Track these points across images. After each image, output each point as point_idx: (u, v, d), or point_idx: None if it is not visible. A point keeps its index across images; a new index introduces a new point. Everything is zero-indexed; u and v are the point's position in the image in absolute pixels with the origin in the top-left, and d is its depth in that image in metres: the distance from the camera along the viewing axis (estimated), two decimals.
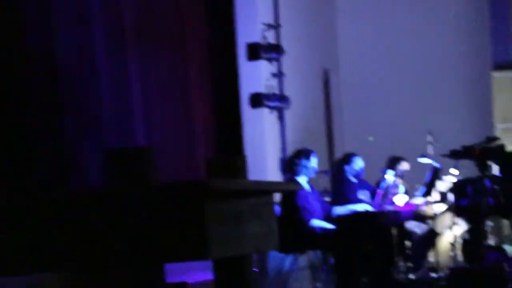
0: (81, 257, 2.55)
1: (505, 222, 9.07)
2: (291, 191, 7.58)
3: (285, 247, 7.75)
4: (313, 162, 7.97)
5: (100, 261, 2.54)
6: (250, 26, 9.21)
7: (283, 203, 7.92)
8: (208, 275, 4.54)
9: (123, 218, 2.50)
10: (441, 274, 8.16)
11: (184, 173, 8.00)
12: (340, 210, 8.06)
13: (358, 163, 8.57)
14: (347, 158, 8.63)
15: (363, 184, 8.70)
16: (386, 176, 8.39)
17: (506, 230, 9.41)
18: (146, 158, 2.50)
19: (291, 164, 8.07)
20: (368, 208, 8.12)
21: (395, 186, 9.03)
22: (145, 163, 2.49)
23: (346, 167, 8.56)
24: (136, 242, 2.50)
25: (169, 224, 2.53)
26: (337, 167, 8.91)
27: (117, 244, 2.50)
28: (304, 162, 7.92)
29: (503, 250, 7.83)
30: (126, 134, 7.57)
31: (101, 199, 2.54)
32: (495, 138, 7.96)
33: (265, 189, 3.31)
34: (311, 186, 8.12)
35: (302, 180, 7.96)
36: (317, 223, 7.81)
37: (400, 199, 8.85)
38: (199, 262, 2.78)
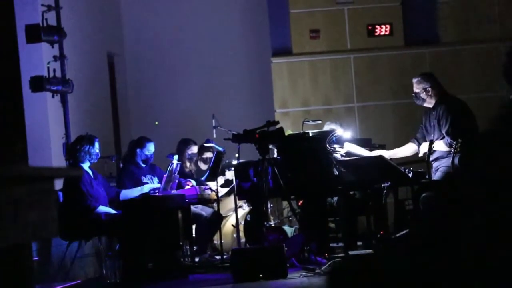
0: None
1: (285, 204, 9.43)
2: (74, 177, 7.47)
3: (69, 234, 7.62)
4: (96, 147, 7.91)
5: None
6: (29, 7, 8.91)
7: (66, 189, 7.77)
8: None
9: None
10: (225, 255, 8.36)
11: None
12: (127, 193, 8.06)
13: (150, 149, 8.60)
14: (141, 142, 8.63)
15: (156, 171, 8.73)
16: (173, 161, 8.45)
17: (286, 212, 9.81)
18: None
19: (74, 150, 7.95)
20: (154, 186, 8.19)
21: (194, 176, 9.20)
22: None
23: (138, 150, 8.57)
24: None
25: None
26: (129, 149, 8.88)
27: None
28: (86, 148, 7.84)
29: (283, 231, 8.12)
30: None
31: None
32: (275, 122, 8.21)
33: (44, 175, 3.22)
34: (94, 172, 8.04)
35: (85, 166, 7.86)
36: (102, 209, 7.75)
37: (186, 183, 8.97)
38: None
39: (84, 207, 7.65)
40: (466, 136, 7.26)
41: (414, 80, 7.87)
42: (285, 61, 11.30)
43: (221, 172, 9.03)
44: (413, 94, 7.85)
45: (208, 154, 9.66)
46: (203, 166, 9.69)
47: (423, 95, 7.77)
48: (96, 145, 7.92)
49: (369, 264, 2.39)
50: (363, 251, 7.60)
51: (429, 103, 7.78)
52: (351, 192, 8.08)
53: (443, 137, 7.59)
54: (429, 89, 7.75)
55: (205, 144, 9.53)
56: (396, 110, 11.11)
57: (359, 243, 8.11)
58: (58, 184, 8.30)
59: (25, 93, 8.93)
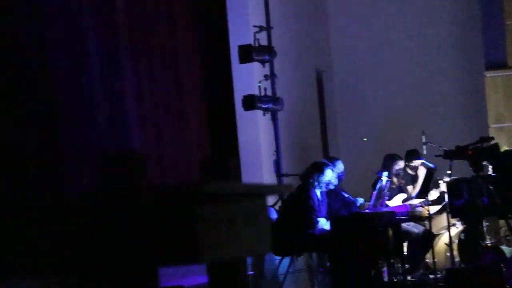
0: (72, 262, 2.52)
1: (502, 222, 9.05)
2: (303, 193, 7.64)
3: (281, 250, 7.74)
4: (328, 175, 7.93)
5: (92, 266, 2.51)
6: (242, 29, 9.20)
7: (290, 205, 7.94)
8: (204, 278, 4.52)
9: (114, 223, 2.47)
10: (438, 274, 8.15)
11: (179, 177, 7.98)
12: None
13: (339, 167, 8.59)
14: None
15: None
16: (382, 178, 8.38)
17: (503, 231, 9.40)
18: (135, 162, 2.47)
19: (304, 176, 8.06)
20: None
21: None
22: (133, 167, 2.46)
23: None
24: (128, 247, 2.47)
25: (161, 228, 2.51)
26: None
27: (109, 249, 2.47)
28: (316, 176, 7.91)
29: (501, 251, 7.80)
30: (120, 139, 7.53)
31: (91, 204, 2.50)
32: (489, 138, 7.94)
33: (257, 192, 3.28)
34: (324, 198, 8.09)
35: (317, 192, 7.95)
36: (322, 222, 7.82)
37: (396, 200, 8.86)
38: (194, 265, 2.76)
39: (309, 220, 7.75)
40: None
41: None
42: (500, 75, 10.88)
43: (434, 185, 8.83)
44: None
45: (416, 162, 9.41)
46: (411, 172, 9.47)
47: None
48: (327, 172, 7.94)
49: None
50: None
51: None
52: None
53: None
54: None
55: (414, 161, 9.37)
56: None
57: None
58: (270, 200, 8.49)
59: (238, 111, 9.27)
